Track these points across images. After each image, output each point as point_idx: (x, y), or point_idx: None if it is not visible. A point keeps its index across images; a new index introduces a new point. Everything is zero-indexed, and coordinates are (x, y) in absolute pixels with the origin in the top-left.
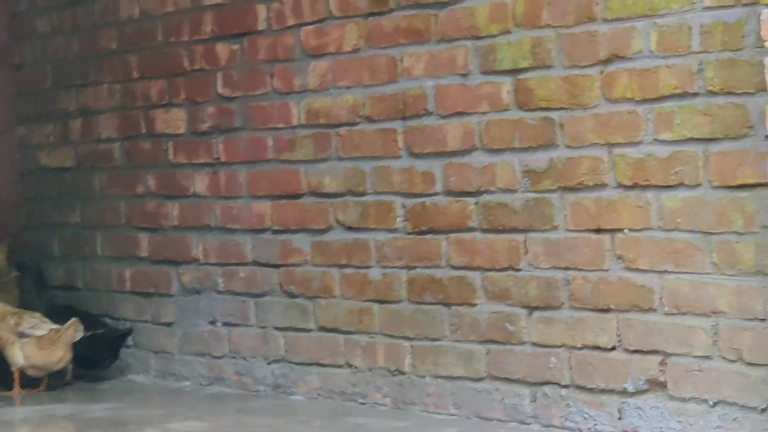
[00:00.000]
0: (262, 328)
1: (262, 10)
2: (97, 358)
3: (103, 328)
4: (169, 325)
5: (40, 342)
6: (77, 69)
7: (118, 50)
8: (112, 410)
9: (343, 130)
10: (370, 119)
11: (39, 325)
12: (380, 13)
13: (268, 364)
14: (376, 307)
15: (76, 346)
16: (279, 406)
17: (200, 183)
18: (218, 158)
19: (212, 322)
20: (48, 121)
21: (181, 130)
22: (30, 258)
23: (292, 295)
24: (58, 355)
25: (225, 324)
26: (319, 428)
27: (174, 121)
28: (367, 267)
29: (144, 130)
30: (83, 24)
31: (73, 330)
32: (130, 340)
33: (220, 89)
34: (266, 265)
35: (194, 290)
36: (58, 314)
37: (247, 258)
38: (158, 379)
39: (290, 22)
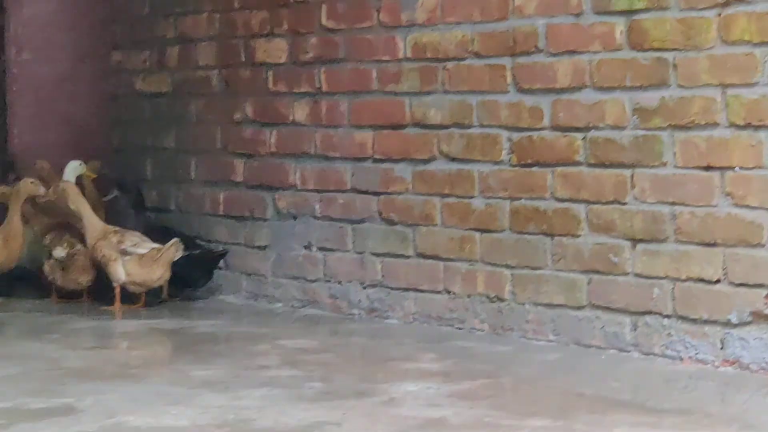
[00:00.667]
0: (359, 253)
1: None
2: (192, 278)
3: (199, 249)
4: (262, 248)
5: (142, 260)
6: None
7: None
8: (217, 326)
9: (450, 65)
10: (478, 55)
11: (140, 244)
12: None
13: (364, 288)
14: (477, 235)
15: (174, 266)
16: (375, 329)
17: (300, 111)
18: (320, 88)
19: (307, 247)
20: (144, 47)
21: (282, 60)
22: (130, 180)
23: (391, 222)
24: (159, 273)
25: (321, 249)
26: (422, 350)
27: (275, 50)
28: (470, 197)
29: (243, 59)
30: None
31: (174, 249)
32: (222, 262)
33: (324, 21)
34: (366, 192)
35: (290, 215)
36: (154, 235)
37: (346, 185)
38: (250, 300)
39: None
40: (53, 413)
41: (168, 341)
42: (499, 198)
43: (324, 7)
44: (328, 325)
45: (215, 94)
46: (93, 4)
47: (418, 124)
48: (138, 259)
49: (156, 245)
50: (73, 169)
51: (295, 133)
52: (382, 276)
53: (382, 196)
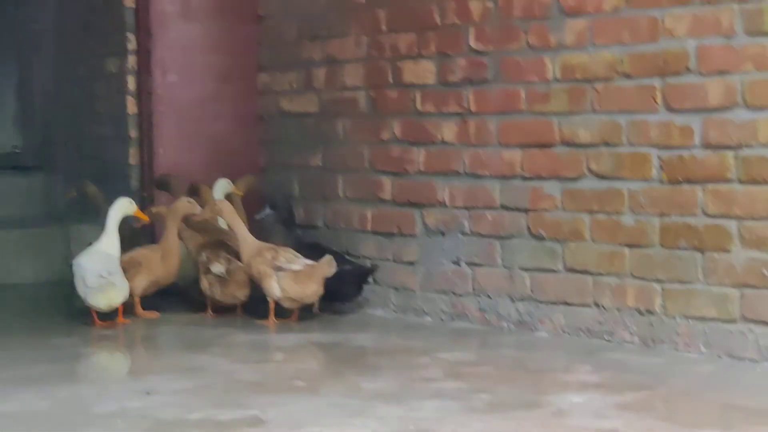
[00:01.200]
0: (508, 268)
1: None
2: (343, 293)
3: (349, 265)
4: (411, 263)
5: (297, 276)
6: (323, 21)
7: (366, 5)
8: (372, 340)
9: (599, 85)
10: (628, 75)
11: (293, 260)
12: None
13: (513, 302)
14: (627, 251)
15: (326, 281)
16: (525, 341)
17: (448, 131)
18: (468, 108)
19: (456, 262)
20: (291, 69)
21: (430, 81)
22: (281, 197)
23: (540, 238)
24: (313, 289)
25: (469, 264)
26: (576, 362)
27: (423, 72)
28: (620, 213)
29: (391, 80)
30: None
31: (328, 266)
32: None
33: (472, 43)
34: (515, 209)
35: (439, 231)
36: (304, 251)
37: (495, 202)
38: (398, 314)
39: None
40: (242, 424)
41: (330, 354)
42: (649, 214)
43: (472, 30)
44: (478, 337)
45: (362, 114)
46: (237, 28)
47: (567, 143)
48: (293, 275)
49: (310, 261)
50: (222, 187)
51: (443, 152)
52: (531, 290)
53: (530, 213)
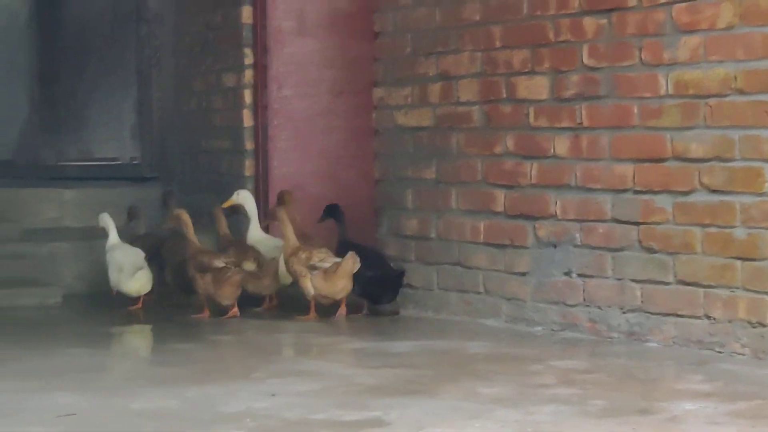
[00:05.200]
0: (619, 279)
1: None
2: (377, 295)
3: (384, 269)
4: (523, 274)
5: (326, 274)
6: (438, 38)
7: (481, 22)
8: (485, 347)
9: (712, 101)
10: (741, 91)
11: (326, 259)
12: None
13: (624, 313)
14: (738, 263)
15: (364, 283)
16: (636, 351)
17: (561, 145)
18: (581, 123)
19: (567, 273)
20: (406, 84)
21: (544, 96)
22: (334, 206)
23: (651, 251)
24: (341, 285)
25: (580, 275)
26: (687, 372)
27: (536, 87)
28: (732, 227)
29: (505, 95)
30: None
31: (352, 262)
32: (479, 286)
33: (585, 60)
34: (626, 222)
35: (550, 243)
36: (348, 250)
37: (606, 215)
38: (509, 324)
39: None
40: (366, 425)
41: (444, 361)
42: (761, 228)
43: (585, 47)
44: (588, 347)
45: (476, 128)
46: (352, 44)
47: (679, 158)
48: (322, 274)
49: (338, 259)
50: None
51: (555, 165)
52: (642, 301)
53: (642, 226)
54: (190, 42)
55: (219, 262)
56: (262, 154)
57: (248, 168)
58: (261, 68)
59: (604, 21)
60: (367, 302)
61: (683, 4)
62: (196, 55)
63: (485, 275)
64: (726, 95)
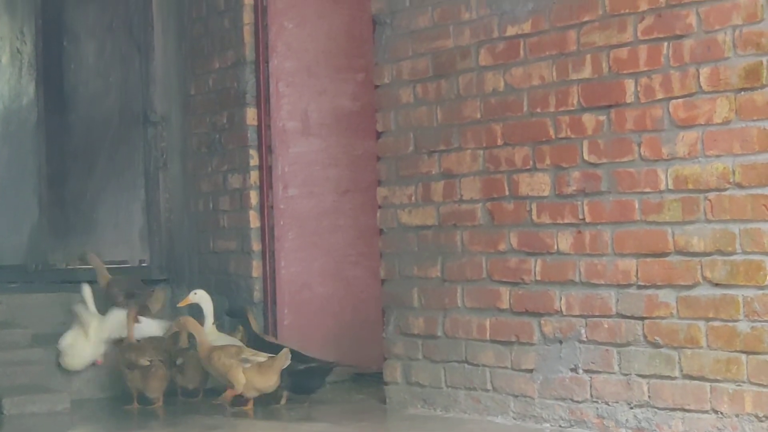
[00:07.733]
0: (625, 375)
1: (630, 85)
2: (309, 386)
3: (314, 362)
4: (529, 371)
5: (260, 367)
6: (440, 136)
7: (482, 119)
8: None
9: (712, 195)
10: (740, 185)
11: (257, 354)
12: (752, 89)
13: (631, 408)
14: (743, 357)
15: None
16: None
17: (564, 241)
18: (583, 219)
19: (574, 369)
20: (409, 183)
21: (546, 193)
22: (239, 306)
23: (656, 345)
24: (274, 379)
25: (587, 371)
26: None
27: (538, 184)
28: (735, 320)
29: (507, 192)
30: (447, 95)
31: (285, 357)
32: (487, 383)
33: (586, 156)
34: (631, 317)
35: (556, 339)
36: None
37: (611, 310)
38: (517, 421)
39: (659, 95)
40: None
41: None
42: (765, 321)
43: (586, 143)
44: None
45: (480, 226)
46: (356, 144)
47: (681, 252)
48: (257, 367)
49: (271, 355)
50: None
51: (559, 261)
52: (649, 396)
53: (646, 320)
54: (197, 143)
55: (144, 360)
56: (269, 254)
57: (255, 269)
58: (266, 169)
59: (603, 117)
60: (292, 394)
61: (680, 100)
62: (202, 157)
63: (492, 372)
64: (725, 189)
